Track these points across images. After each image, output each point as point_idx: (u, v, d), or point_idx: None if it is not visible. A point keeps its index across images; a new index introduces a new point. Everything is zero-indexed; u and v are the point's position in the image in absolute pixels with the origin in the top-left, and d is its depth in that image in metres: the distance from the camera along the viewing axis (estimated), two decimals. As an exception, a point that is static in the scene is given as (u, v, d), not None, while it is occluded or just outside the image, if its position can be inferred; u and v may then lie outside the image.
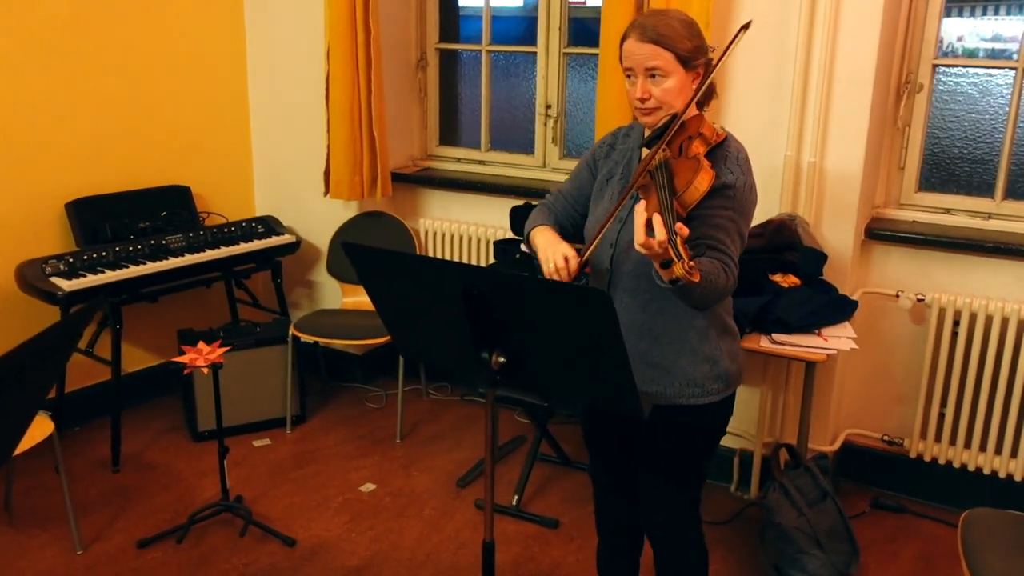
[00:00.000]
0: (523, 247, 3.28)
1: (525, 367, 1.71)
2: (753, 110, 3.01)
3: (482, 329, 1.68)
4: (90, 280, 3.19)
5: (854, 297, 2.95)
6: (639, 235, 1.57)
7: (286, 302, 4.02)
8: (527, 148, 3.85)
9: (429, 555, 2.85)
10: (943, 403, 3.05)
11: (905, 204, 3.13)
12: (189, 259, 3.49)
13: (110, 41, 3.57)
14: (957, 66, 3.04)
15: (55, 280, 3.15)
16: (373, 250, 1.78)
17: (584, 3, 3.78)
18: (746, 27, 1.84)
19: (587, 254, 1.86)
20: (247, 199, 4.23)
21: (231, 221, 3.84)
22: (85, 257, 3.29)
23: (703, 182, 1.73)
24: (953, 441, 3.07)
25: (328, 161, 3.77)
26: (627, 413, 1.67)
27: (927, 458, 3.12)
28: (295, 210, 4.10)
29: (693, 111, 1.86)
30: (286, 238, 3.88)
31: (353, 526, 3.00)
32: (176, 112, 3.86)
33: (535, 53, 3.71)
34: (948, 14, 2.99)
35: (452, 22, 4.03)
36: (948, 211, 3.07)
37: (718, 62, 1.84)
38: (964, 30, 3.12)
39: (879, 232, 3.02)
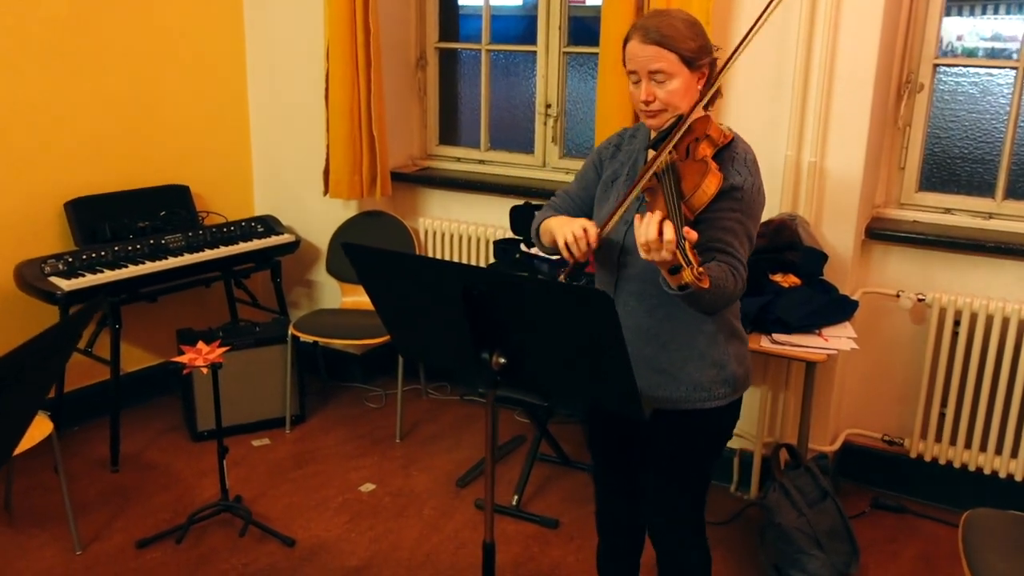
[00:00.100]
0: (527, 247, 3.29)
1: (525, 367, 1.71)
2: (753, 110, 3.01)
3: (482, 329, 1.67)
4: (89, 280, 3.18)
5: (854, 297, 2.95)
6: (641, 238, 1.56)
7: (285, 302, 4.02)
8: (527, 147, 3.85)
9: (429, 555, 2.85)
10: (943, 403, 3.05)
11: (906, 204, 3.12)
12: (188, 259, 3.49)
13: (109, 40, 3.56)
14: (958, 66, 3.04)
15: (54, 280, 3.15)
16: (373, 250, 1.77)
17: (584, 2, 3.77)
18: None
19: (606, 229, 1.82)
20: (246, 198, 4.23)
21: (230, 221, 3.83)
22: (84, 257, 3.28)
23: (711, 185, 1.70)
24: (953, 441, 3.06)
25: (328, 160, 3.77)
26: (627, 414, 1.66)
27: (927, 458, 3.11)
28: (294, 210, 4.09)
29: (699, 112, 1.83)
30: (285, 238, 3.87)
31: (352, 526, 3.00)
32: (175, 111, 3.85)
33: (535, 52, 3.70)
34: (948, 13, 2.98)
35: (452, 21, 4.02)
36: (949, 211, 3.07)
37: (748, 38, 1.79)
38: (964, 29, 3.12)
39: (880, 232, 3.02)
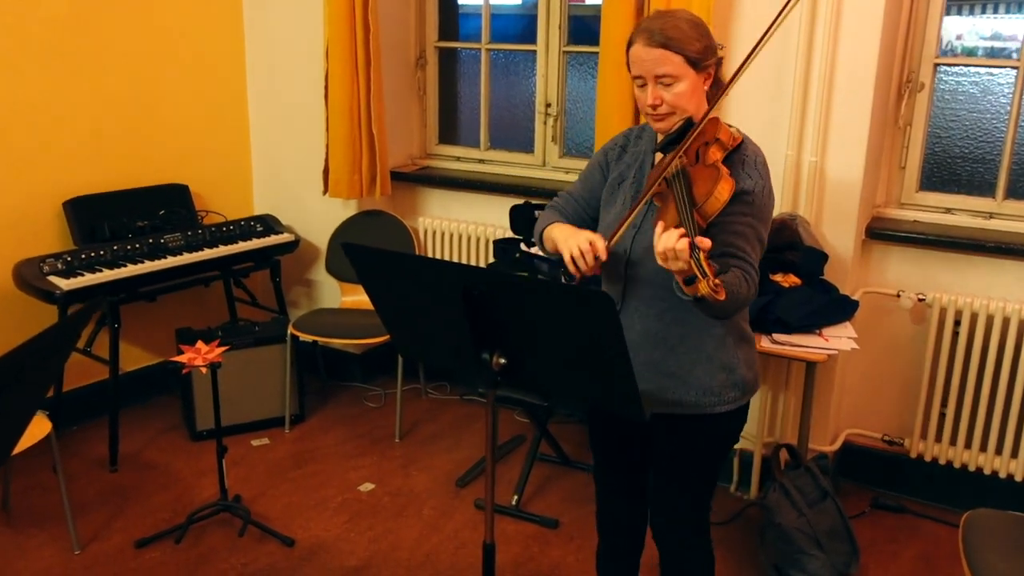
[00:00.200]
0: (527, 247, 3.29)
1: (525, 368, 1.71)
2: (754, 110, 3.01)
3: (482, 329, 1.67)
4: (88, 279, 3.18)
5: (855, 297, 2.94)
6: (659, 247, 1.55)
7: (285, 301, 4.01)
8: (527, 147, 3.84)
9: (428, 555, 2.84)
10: (943, 403, 3.05)
11: (906, 204, 3.12)
12: (187, 258, 3.48)
13: (108, 40, 3.56)
14: (958, 65, 3.03)
15: (53, 279, 3.14)
16: (373, 251, 1.77)
17: (584, 1, 3.77)
18: None
19: (613, 241, 1.80)
20: (246, 198, 4.22)
21: (230, 220, 3.83)
22: (83, 256, 3.28)
23: (724, 192, 1.68)
24: (953, 441, 3.06)
25: (327, 160, 3.76)
26: (628, 415, 1.66)
27: (927, 458, 3.11)
28: (294, 209, 4.09)
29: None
30: (285, 237, 3.87)
31: (352, 526, 3.00)
32: (175, 111, 3.85)
33: (535, 51, 3.70)
34: (947, 12, 2.98)
35: (451, 20, 4.02)
36: (949, 211, 3.07)
37: (765, 38, 1.76)
38: (963, 28, 3.11)
39: (880, 232, 3.02)
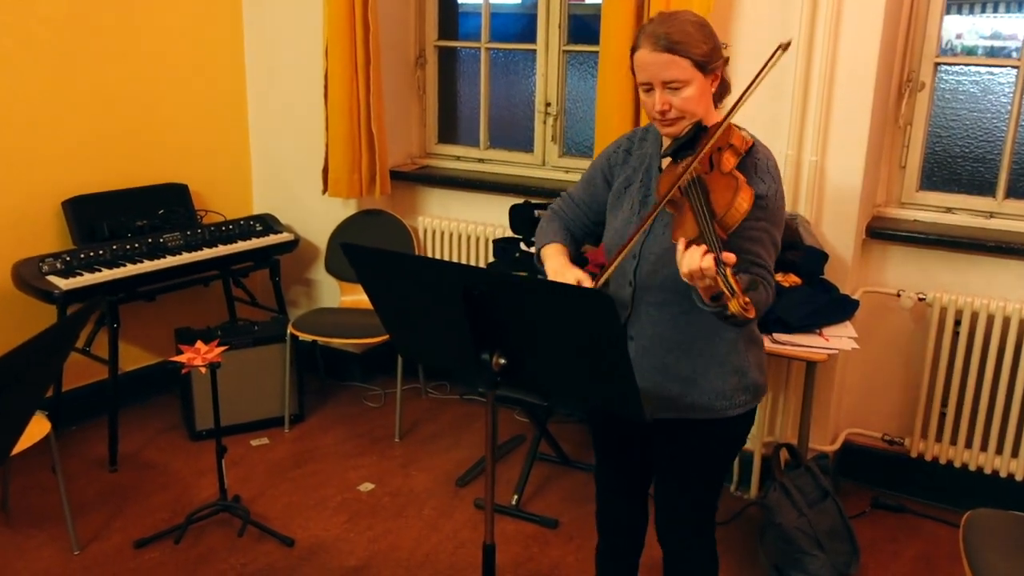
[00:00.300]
0: (527, 246, 3.28)
1: (525, 368, 1.70)
2: (754, 109, 2.97)
3: (482, 330, 1.66)
4: (87, 279, 3.17)
5: (855, 296, 2.94)
6: (684, 267, 1.54)
7: (284, 301, 4.01)
8: (526, 146, 3.84)
9: (428, 555, 2.84)
10: (944, 403, 3.04)
11: (906, 203, 3.12)
12: (187, 257, 3.48)
13: (107, 39, 3.55)
14: (959, 64, 3.03)
15: (52, 279, 3.13)
16: (372, 251, 1.76)
17: (584, 0, 3.76)
18: (785, 46, 1.71)
19: (603, 279, 1.76)
20: (245, 197, 4.22)
21: (229, 219, 3.82)
22: (82, 255, 3.27)
23: (744, 202, 1.63)
24: (954, 441, 3.06)
25: (327, 159, 3.76)
26: (628, 415, 1.65)
27: (928, 458, 3.11)
28: (293, 208, 4.08)
29: (715, 116, 1.79)
30: (284, 236, 3.86)
31: (351, 526, 2.99)
32: (174, 110, 3.84)
33: (534, 50, 3.69)
34: (948, 11, 2.98)
35: (451, 19, 4.01)
36: (949, 210, 3.06)
37: (753, 86, 1.71)
38: (963, 28, 3.11)
39: (880, 231, 3.01)
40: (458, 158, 4.00)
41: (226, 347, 2.92)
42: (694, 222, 1.62)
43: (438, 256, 3.90)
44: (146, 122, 3.74)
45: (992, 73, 3.01)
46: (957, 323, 2.96)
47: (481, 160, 3.95)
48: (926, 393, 3.06)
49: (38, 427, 2.65)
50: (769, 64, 1.71)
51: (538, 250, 2.02)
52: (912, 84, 3.02)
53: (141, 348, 3.89)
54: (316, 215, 4.02)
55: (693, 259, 1.54)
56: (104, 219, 3.47)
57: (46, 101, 3.39)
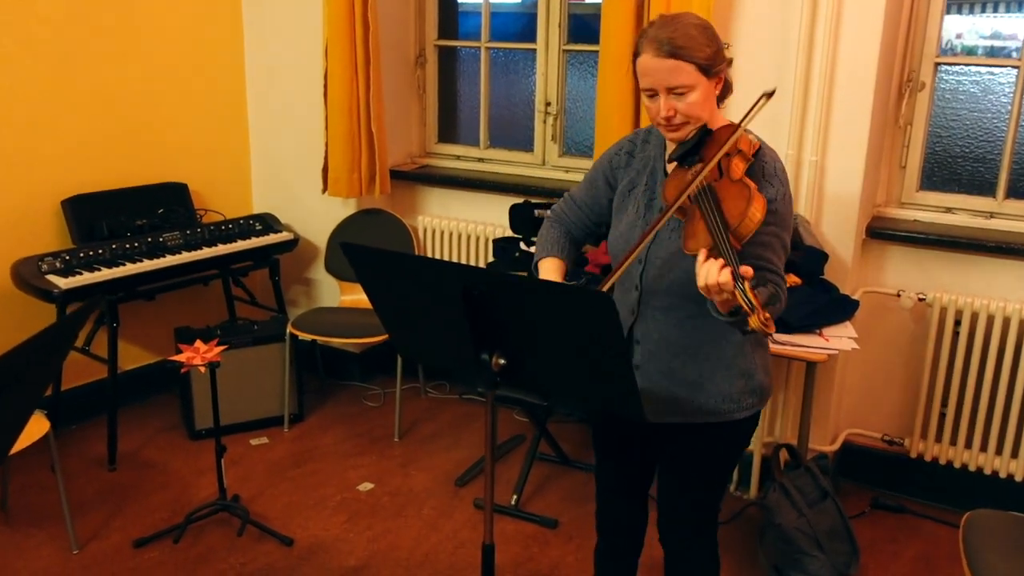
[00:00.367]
0: (527, 246, 3.28)
1: (525, 368, 1.70)
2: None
3: (482, 330, 1.66)
4: (86, 278, 3.17)
5: (855, 296, 2.94)
6: (701, 281, 1.53)
7: (284, 300, 4.01)
8: (526, 145, 3.84)
9: (427, 555, 2.84)
10: (944, 403, 3.04)
11: (906, 203, 3.12)
12: (186, 257, 3.47)
13: (107, 39, 3.55)
14: (959, 64, 3.03)
15: (51, 278, 3.13)
16: (372, 250, 1.76)
17: (583, 0, 3.76)
18: (769, 95, 1.68)
19: (609, 282, 1.72)
20: (245, 196, 4.22)
21: (229, 218, 3.82)
22: (81, 255, 3.27)
23: (757, 212, 1.60)
24: (954, 441, 3.06)
25: (326, 158, 3.76)
26: (627, 415, 1.65)
27: (927, 458, 3.11)
28: (293, 207, 4.08)
29: (721, 119, 1.77)
30: (284, 235, 3.86)
31: (351, 525, 2.99)
32: (173, 109, 3.84)
33: (534, 50, 3.69)
34: (948, 11, 2.97)
35: (451, 19, 4.01)
36: (949, 210, 3.06)
37: (740, 127, 1.68)
38: (963, 27, 3.11)
39: (880, 231, 3.01)
40: (458, 157, 4.00)
41: (225, 346, 2.92)
42: (706, 231, 1.60)
43: (438, 256, 3.90)
44: (146, 122, 3.74)
45: (992, 73, 3.00)
46: (957, 323, 2.96)
47: (481, 160, 3.95)
48: (926, 393, 3.06)
49: (37, 426, 2.65)
50: (753, 112, 1.68)
51: (536, 260, 2.01)
52: (912, 84, 3.02)
53: (140, 347, 3.88)
54: (316, 214, 4.02)
55: (710, 273, 1.52)
56: (103, 218, 3.47)
57: (46, 101, 3.39)
